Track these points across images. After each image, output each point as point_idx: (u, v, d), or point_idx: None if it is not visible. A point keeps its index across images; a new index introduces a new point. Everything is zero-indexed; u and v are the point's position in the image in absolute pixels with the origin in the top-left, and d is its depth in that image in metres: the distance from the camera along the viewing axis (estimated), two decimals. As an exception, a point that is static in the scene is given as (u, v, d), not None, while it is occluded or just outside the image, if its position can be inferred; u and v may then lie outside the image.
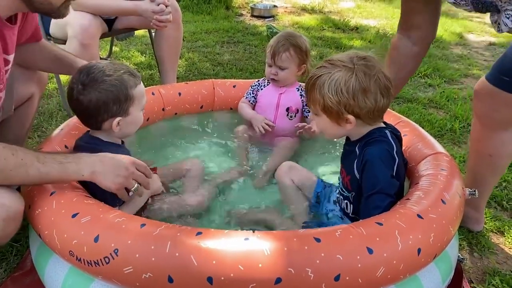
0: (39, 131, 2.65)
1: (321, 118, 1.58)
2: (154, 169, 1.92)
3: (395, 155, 1.51)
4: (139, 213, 1.64)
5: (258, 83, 2.39)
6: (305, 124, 2.18)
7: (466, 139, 2.94)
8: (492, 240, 2.02)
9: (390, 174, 1.49)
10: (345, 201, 1.68)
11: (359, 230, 1.25)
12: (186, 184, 1.88)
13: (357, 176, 1.55)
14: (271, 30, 4.69)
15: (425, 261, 1.31)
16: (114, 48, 3.82)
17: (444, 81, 4.02)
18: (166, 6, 2.34)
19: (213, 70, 3.71)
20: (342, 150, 1.73)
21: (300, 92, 2.32)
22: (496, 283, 1.75)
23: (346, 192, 1.66)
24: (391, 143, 1.53)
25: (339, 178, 1.75)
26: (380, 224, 1.29)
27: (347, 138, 1.68)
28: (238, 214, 1.80)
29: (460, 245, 1.95)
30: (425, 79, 4.02)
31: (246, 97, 2.40)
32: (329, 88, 1.48)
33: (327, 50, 4.52)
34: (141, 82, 1.61)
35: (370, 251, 1.21)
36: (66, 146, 1.71)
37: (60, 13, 1.54)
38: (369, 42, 4.94)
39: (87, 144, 1.59)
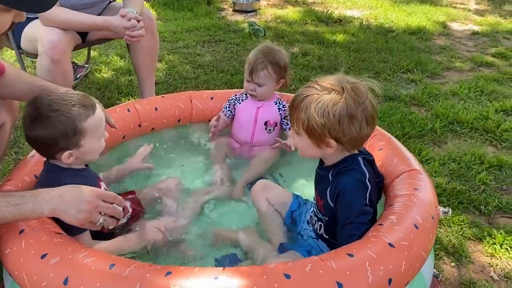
0: (16, 147, 2.61)
1: (301, 137, 1.55)
2: (132, 192, 1.91)
3: (367, 183, 1.51)
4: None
5: (236, 97, 2.37)
6: (282, 141, 2.17)
7: (446, 139, 2.96)
8: (470, 248, 2.05)
9: (364, 203, 1.49)
10: (319, 223, 1.68)
11: (329, 264, 1.25)
12: (164, 208, 1.87)
13: (331, 204, 1.55)
14: (253, 27, 4.65)
15: (397, 290, 1.32)
16: (93, 53, 3.76)
17: (426, 75, 4.02)
18: (138, 21, 2.29)
19: (194, 73, 3.66)
20: (315, 172, 1.73)
21: (278, 106, 2.31)
22: (472, 296, 1.78)
23: (319, 214, 1.66)
24: (363, 171, 1.52)
25: (314, 198, 1.75)
26: (351, 255, 1.29)
27: (321, 162, 1.67)
28: (217, 235, 1.80)
29: (437, 255, 1.98)
30: (407, 74, 4.02)
31: (223, 111, 2.38)
32: (316, 110, 1.45)
33: (309, 46, 4.48)
34: (96, 111, 1.54)
35: (339, 285, 1.21)
36: (35, 176, 1.69)
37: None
38: (352, 35, 4.91)
39: (48, 173, 1.58)
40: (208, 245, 1.77)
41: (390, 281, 1.29)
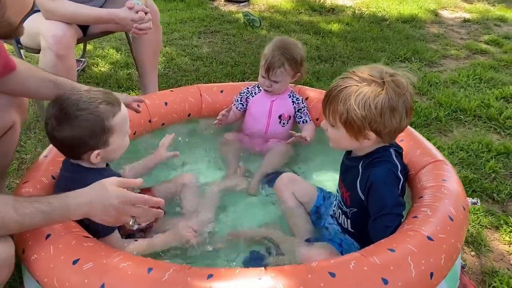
0: (17, 145, 2.51)
1: (337, 129, 1.51)
2: (148, 190, 1.86)
3: (399, 175, 1.49)
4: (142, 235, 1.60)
5: (248, 90, 2.32)
6: (297, 134, 2.14)
7: (452, 128, 2.96)
8: (488, 237, 2.05)
9: (398, 193, 1.47)
10: (343, 216, 1.66)
11: (372, 260, 1.23)
12: (184, 205, 1.83)
13: (362, 196, 1.52)
14: (248, 18, 4.58)
15: (436, 283, 1.31)
16: (88, 47, 3.65)
17: (424, 64, 4.02)
18: (146, 13, 2.21)
19: (193, 65, 3.59)
20: (341, 162, 1.71)
21: (292, 99, 2.28)
22: (496, 285, 1.78)
23: (344, 207, 1.64)
24: (395, 163, 1.50)
25: (337, 190, 1.72)
26: (392, 250, 1.27)
27: (348, 152, 1.65)
28: (239, 235, 1.76)
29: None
30: (405, 63, 4.02)
31: (234, 104, 2.33)
32: (356, 102, 1.41)
33: (306, 36, 4.44)
34: (122, 107, 1.50)
35: (385, 281, 1.19)
36: (53, 177, 1.62)
37: (18, 32, 1.44)
38: (347, 24, 4.88)
39: (69, 174, 1.52)
40: (231, 247, 1.72)
41: (431, 275, 1.28)
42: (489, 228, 2.11)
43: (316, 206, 1.82)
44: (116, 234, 1.48)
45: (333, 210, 1.76)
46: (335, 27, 4.74)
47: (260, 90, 2.29)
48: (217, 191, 1.93)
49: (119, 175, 1.63)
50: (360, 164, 1.54)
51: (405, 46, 4.33)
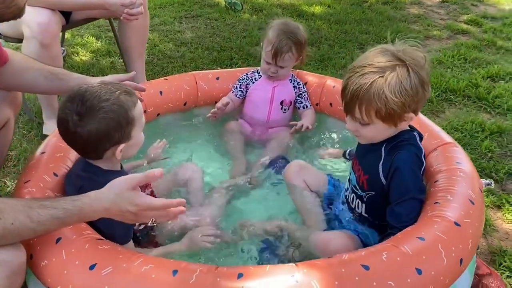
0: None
1: (373, 126, 1.44)
2: (148, 186, 1.76)
3: (423, 159, 1.47)
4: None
5: (247, 77, 2.24)
6: (298, 123, 2.09)
7: (444, 109, 2.97)
8: (491, 216, 2.07)
9: (421, 178, 1.46)
10: (357, 200, 1.63)
11: (404, 250, 1.20)
12: (191, 198, 1.75)
13: (383, 180, 1.49)
14: (230, 1, 4.45)
15: (464, 269, 1.30)
16: (66, 35, 3.46)
17: (409, 45, 4.00)
18: (137, -2, 2.10)
19: (178, 52, 3.47)
20: (357, 145, 1.66)
21: (293, 84, 2.22)
22: (507, 264, 1.80)
23: (360, 191, 1.60)
24: (420, 147, 1.48)
25: (350, 173, 1.68)
26: (422, 239, 1.24)
27: None
28: (250, 226, 1.70)
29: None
30: (390, 44, 3.99)
31: (233, 91, 2.25)
32: (392, 92, 1.35)
33: (288, 19, 4.35)
34: (138, 98, 1.43)
35: (419, 271, 1.17)
36: (55, 174, 1.52)
37: (22, 13, 1.43)
38: (328, 7, 4.82)
39: (86, 174, 1.41)
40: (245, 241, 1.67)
41: (461, 261, 1.26)
42: (492, 208, 2.13)
43: (328, 192, 1.78)
44: (131, 244, 1.41)
45: (345, 195, 1.72)
46: (317, 9, 4.68)
47: (261, 76, 2.21)
48: (224, 187, 1.86)
49: None
50: (383, 148, 1.50)
51: (388, 27, 4.31)
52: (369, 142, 1.53)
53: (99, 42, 3.56)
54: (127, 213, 1.20)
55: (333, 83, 2.22)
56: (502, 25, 4.61)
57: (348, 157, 1.93)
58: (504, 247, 1.89)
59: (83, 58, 3.30)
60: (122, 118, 1.33)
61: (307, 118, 2.15)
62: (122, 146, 1.36)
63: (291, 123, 2.14)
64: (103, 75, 2.99)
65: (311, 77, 2.30)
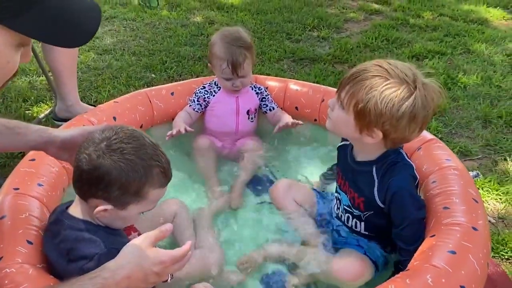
0: None
1: (345, 113, 1.39)
2: (134, 229, 1.56)
3: (416, 174, 1.47)
4: None
5: (205, 90, 2.08)
6: (281, 124, 1.98)
7: (384, 94, 3.06)
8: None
9: (418, 197, 1.47)
10: (354, 220, 1.59)
11: (444, 269, 1.18)
12: (179, 237, 1.58)
13: (380, 204, 1.47)
14: (143, -3, 4.15)
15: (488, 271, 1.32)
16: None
17: (332, 30, 4.07)
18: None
19: (103, 61, 3.15)
20: (340, 161, 1.62)
21: (255, 90, 2.11)
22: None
23: (356, 211, 1.57)
24: (410, 164, 1.47)
25: (338, 193, 1.63)
26: (453, 252, 1.23)
27: (351, 153, 1.55)
28: (251, 260, 1.59)
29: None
30: (315, 32, 4.02)
31: (190, 105, 2.08)
32: (380, 96, 1.30)
33: (211, 13, 4.19)
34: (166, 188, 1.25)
35: (462, 288, 1.16)
36: (29, 242, 1.27)
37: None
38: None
39: (74, 232, 1.19)
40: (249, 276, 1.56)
41: (488, 265, 1.27)
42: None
43: (319, 207, 1.72)
44: None
45: (336, 213, 1.67)
46: (236, 1, 4.55)
47: (219, 88, 2.06)
48: (209, 217, 1.71)
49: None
50: (374, 171, 1.47)
51: (308, 14, 4.33)
52: (332, 130, 1.50)
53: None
54: (151, 275, 1.08)
55: (296, 86, 2.15)
56: (407, 2, 4.87)
57: (325, 180, 1.89)
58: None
59: (-6, 80, 2.85)
60: (134, 186, 1.15)
61: (285, 116, 2.05)
62: (109, 207, 1.16)
63: (276, 127, 2.01)
64: (25, 100, 2.63)
65: (271, 82, 2.21)
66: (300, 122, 1.98)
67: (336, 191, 1.67)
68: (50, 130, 1.35)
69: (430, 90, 1.34)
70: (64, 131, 1.36)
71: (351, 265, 1.47)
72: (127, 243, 1.10)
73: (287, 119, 2.00)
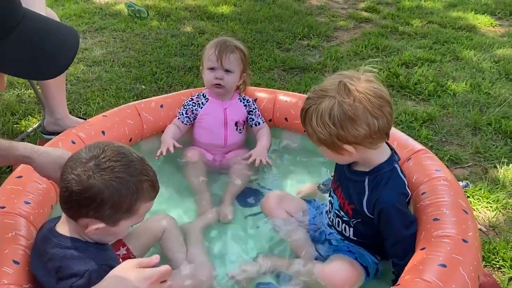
0: None
1: (322, 148, 1.47)
2: (123, 244, 1.55)
3: (407, 190, 1.47)
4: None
5: (193, 102, 2.07)
6: (252, 158, 1.97)
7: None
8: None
9: (408, 213, 1.47)
10: (343, 225, 1.60)
11: (436, 283, 1.18)
12: (170, 254, 1.57)
13: (368, 214, 1.48)
14: (133, 8, 4.15)
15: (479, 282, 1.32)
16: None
17: (322, 39, 4.08)
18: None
19: (92, 73, 3.13)
20: (337, 168, 1.62)
21: (244, 102, 2.11)
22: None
23: (345, 216, 1.58)
24: (402, 179, 1.47)
25: (331, 196, 1.64)
26: (444, 265, 1.23)
27: (349, 164, 1.55)
28: (242, 273, 1.58)
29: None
30: (305, 40, 4.04)
31: (179, 118, 2.07)
32: (317, 121, 1.37)
33: (201, 23, 4.19)
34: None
35: (453, 302, 1.15)
36: (15, 261, 1.25)
37: None
38: (235, 5, 4.73)
39: (63, 251, 1.18)
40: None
41: (479, 277, 1.27)
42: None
43: (311, 217, 1.72)
44: None
45: (329, 218, 1.68)
46: (225, 9, 4.56)
47: (208, 99, 2.06)
48: (200, 231, 1.70)
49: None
50: (366, 182, 1.47)
51: (298, 22, 4.35)
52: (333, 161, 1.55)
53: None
54: None
55: (286, 97, 2.15)
56: (396, 9, 4.92)
57: (322, 187, 1.89)
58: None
59: (-19, 94, 2.83)
60: (127, 203, 1.15)
61: (260, 145, 2.04)
62: (102, 226, 1.15)
63: (242, 159, 2.01)
64: (13, 113, 2.61)
65: (261, 93, 2.21)
66: (270, 162, 1.96)
67: (330, 195, 1.68)
68: (36, 148, 1.34)
69: (351, 84, 1.34)
70: (54, 150, 1.35)
71: (340, 269, 1.48)
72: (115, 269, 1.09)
73: (259, 152, 1.98)
